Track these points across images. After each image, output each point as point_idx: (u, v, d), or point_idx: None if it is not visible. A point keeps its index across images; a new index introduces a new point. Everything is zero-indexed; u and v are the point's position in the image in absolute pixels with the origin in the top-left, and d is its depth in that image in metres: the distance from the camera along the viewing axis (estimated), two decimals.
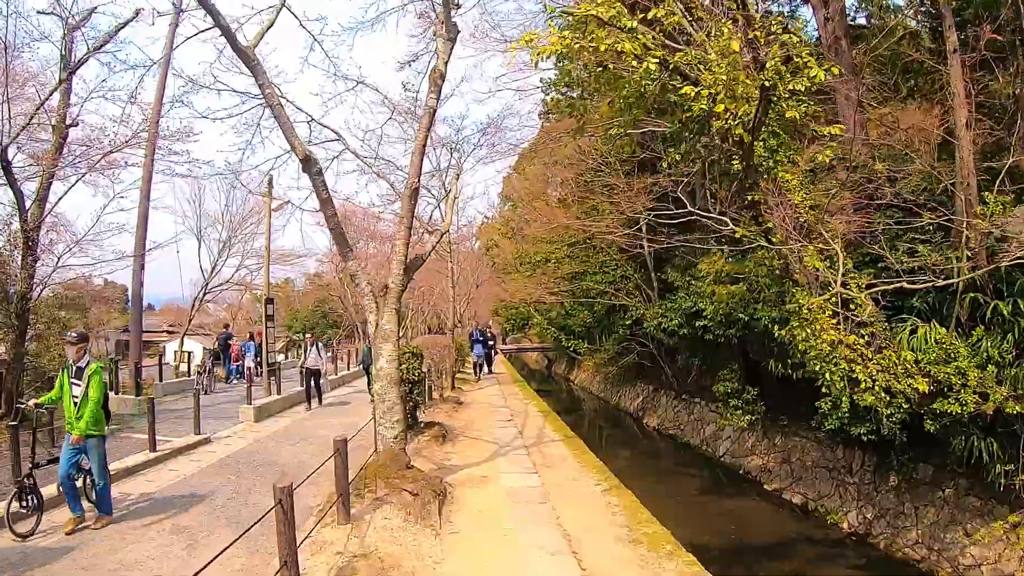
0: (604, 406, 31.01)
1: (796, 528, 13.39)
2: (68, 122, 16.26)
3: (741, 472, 17.11)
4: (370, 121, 77.11)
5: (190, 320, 29.61)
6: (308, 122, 11.55)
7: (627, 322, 25.52)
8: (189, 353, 28.89)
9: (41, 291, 16.53)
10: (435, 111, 9.71)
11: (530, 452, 13.74)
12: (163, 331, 53.31)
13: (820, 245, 10.24)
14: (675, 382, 24.76)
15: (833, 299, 9.60)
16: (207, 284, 28.39)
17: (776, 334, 9.86)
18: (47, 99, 15.43)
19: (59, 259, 17.04)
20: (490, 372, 31.91)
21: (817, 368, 9.63)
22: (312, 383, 19.26)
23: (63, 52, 15.80)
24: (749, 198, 9.07)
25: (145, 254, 21.26)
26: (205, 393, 22.44)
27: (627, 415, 27.67)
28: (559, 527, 9.00)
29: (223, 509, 9.24)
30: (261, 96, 9.18)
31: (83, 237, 17.57)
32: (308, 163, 8.93)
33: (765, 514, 14.27)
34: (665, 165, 12.92)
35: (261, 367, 27.83)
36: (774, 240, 9.54)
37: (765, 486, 15.76)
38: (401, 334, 35.98)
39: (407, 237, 9.16)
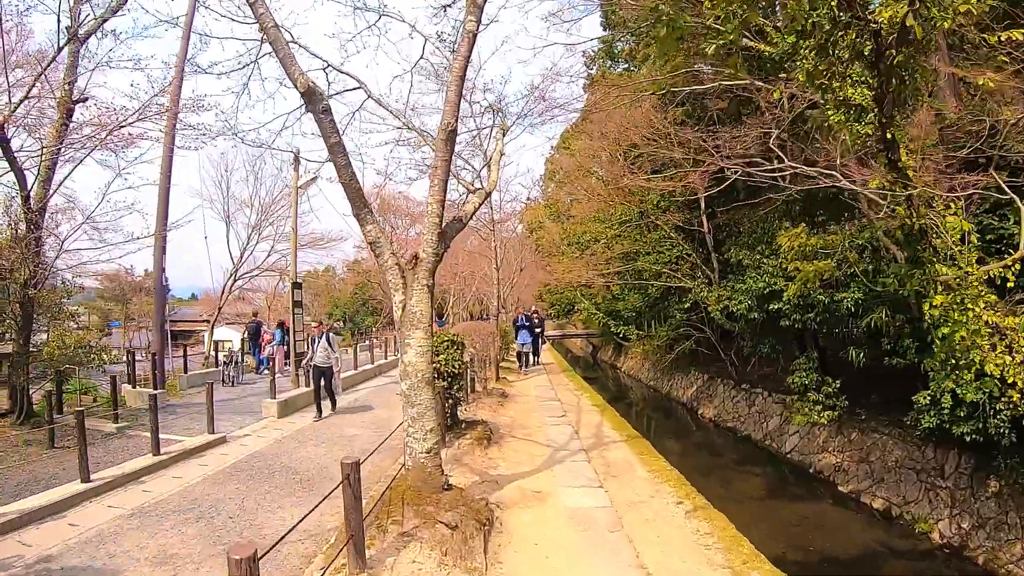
0: (654, 395, 28.83)
1: (879, 537, 11.66)
2: (76, 96, 14.56)
3: (811, 471, 15.17)
4: (397, 67, 73.65)
5: (219, 308, 27.91)
6: (324, 69, 9.41)
7: (684, 306, 23.31)
8: (218, 343, 27.15)
9: (46, 278, 14.76)
10: (475, 36, 7.49)
11: (590, 457, 11.54)
12: (204, 320, 52.11)
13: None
14: (734, 370, 22.55)
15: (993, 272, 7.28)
16: (236, 271, 26.57)
17: (926, 312, 7.54)
18: (45, 70, 13.66)
19: (63, 243, 15.27)
20: (537, 363, 28.42)
21: (944, 358, 7.69)
22: (322, 384, 15.64)
23: (71, 20, 14.07)
24: (888, 135, 6.70)
25: (166, 235, 19.40)
26: (232, 385, 20.76)
27: (680, 405, 25.49)
28: (641, 570, 6.79)
29: (222, 531, 7.76)
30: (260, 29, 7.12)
31: (87, 218, 15.71)
32: (312, 98, 6.80)
33: (842, 520, 12.54)
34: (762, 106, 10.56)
35: (289, 356, 26.35)
36: (910, 190, 7.16)
37: (840, 487, 13.91)
38: (441, 322, 33.83)
39: (442, 193, 7.01)
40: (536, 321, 27.24)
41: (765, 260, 17.13)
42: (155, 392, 17.23)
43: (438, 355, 11.31)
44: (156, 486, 9.86)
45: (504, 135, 10.23)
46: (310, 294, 59.74)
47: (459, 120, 8.09)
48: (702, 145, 16.40)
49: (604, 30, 28.43)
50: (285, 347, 23.03)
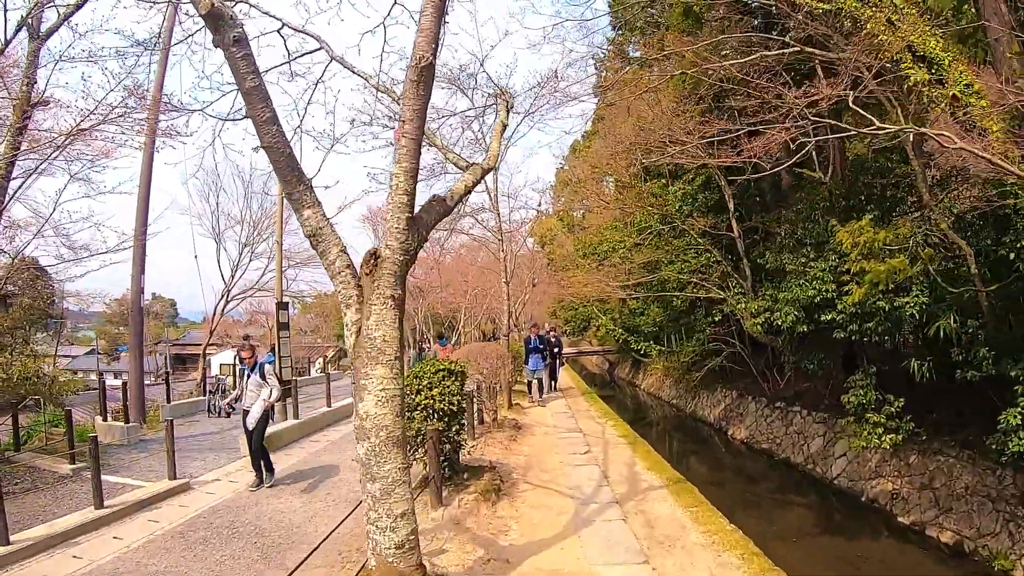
0: (677, 414, 26.34)
1: None
2: (35, 99, 12.45)
3: (863, 499, 13.04)
4: (367, 21, 71.43)
5: (211, 331, 25.65)
6: (279, 31, 7.03)
7: (715, 318, 20.83)
8: (203, 369, 24.79)
9: None
10: None
11: (626, 513, 8.84)
12: (214, 344, 50.01)
13: None
14: (767, 387, 19.99)
15: None
16: (228, 291, 24.26)
17: None
18: None
19: (17, 255, 13.04)
20: (554, 388, 23.26)
21: None
22: (252, 438, 10.74)
23: (28, 15, 11.99)
24: None
25: (144, 249, 17.21)
26: (219, 415, 18.32)
27: (706, 425, 22.95)
28: None
29: None
30: None
31: (39, 232, 13.56)
32: (219, 25, 4.43)
33: (908, 557, 10.64)
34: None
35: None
36: None
37: (899, 518, 11.81)
38: (454, 340, 31.18)
39: (412, 159, 4.51)
40: (552, 341, 22.49)
41: (812, 264, 14.75)
42: (126, 425, 15.03)
43: (431, 388, 8.95)
44: (89, 551, 7.98)
45: (509, 111, 7.77)
46: (319, 316, 57.59)
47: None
48: (729, 135, 14.07)
49: (613, 30, 26.28)
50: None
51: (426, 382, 9.12)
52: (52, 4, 12.26)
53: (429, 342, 37.95)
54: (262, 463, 10.70)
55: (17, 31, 11.69)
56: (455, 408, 9.02)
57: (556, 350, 23.38)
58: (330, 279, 4.71)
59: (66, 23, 12.53)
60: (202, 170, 38.85)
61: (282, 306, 16.88)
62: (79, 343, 62.73)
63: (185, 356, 42.62)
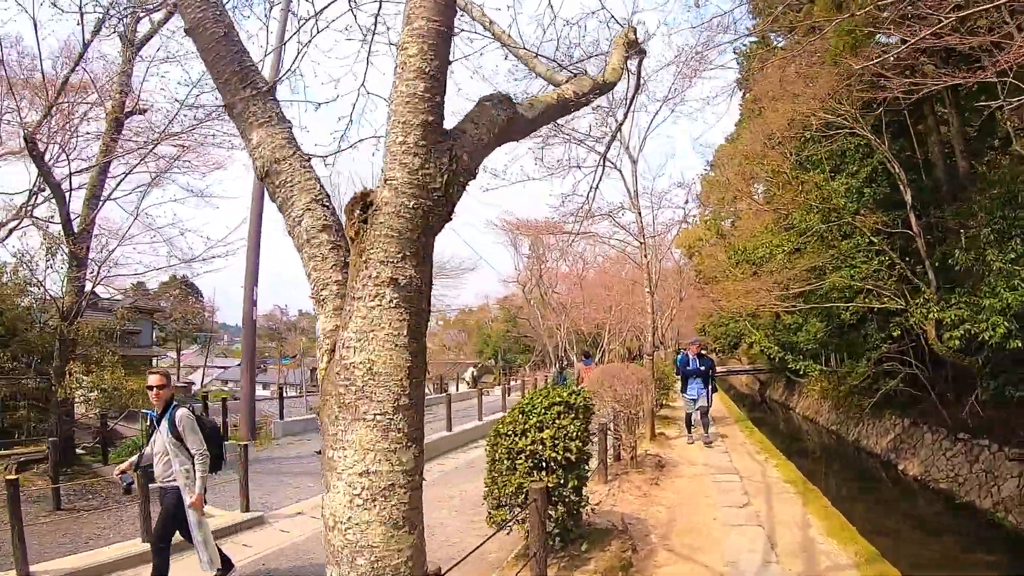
0: (836, 443, 22.52)
1: None
2: (130, 107, 11.55)
3: None
4: None
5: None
6: None
7: (893, 333, 17.19)
8: None
9: (82, 308, 11.54)
10: None
11: None
12: None
13: None
14: (946, 414, 16.20)
15: None
16: None
17: None
18: (67, 77, 10.61)
19: (99, 268, 12.03)
20: (705, 416, 14.54)
21: None
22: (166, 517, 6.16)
23: (119, 22, 11.07)
24: None
25: (258, 260, 16.21)
26: None
27: (870, 456, 19.27)
28: None
29: None
30: None
31: (122, 238, 12.56)
32: None
33: None
34: None
35: None
36: None
37: None
38: (596, 360, 28.63)
39: (438, 14, 2.21)
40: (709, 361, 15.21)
41: None
42: (227, 442, 13.68)
43: (541, 429, 6.48)
44: None
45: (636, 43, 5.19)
46: (463, 333, 56.92)
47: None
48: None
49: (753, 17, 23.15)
50: None
51: (535, 420, 6.63)
52: (146, 14, 11.30)
53: (571, 361, 35.74)
54: (202, 553, 6.04)
55: (95, 32, 10.62)
56: (574, 456, 6.49)
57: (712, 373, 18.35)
58: (297, 251, 2.51)
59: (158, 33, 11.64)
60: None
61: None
62: (233, 355, 65.72)
63: None
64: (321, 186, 2.62)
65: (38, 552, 7.87)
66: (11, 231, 12.00)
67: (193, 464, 5.99)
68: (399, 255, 2.20)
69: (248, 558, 7.76)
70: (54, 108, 10.53)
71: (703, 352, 14.18)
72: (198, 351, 56.42)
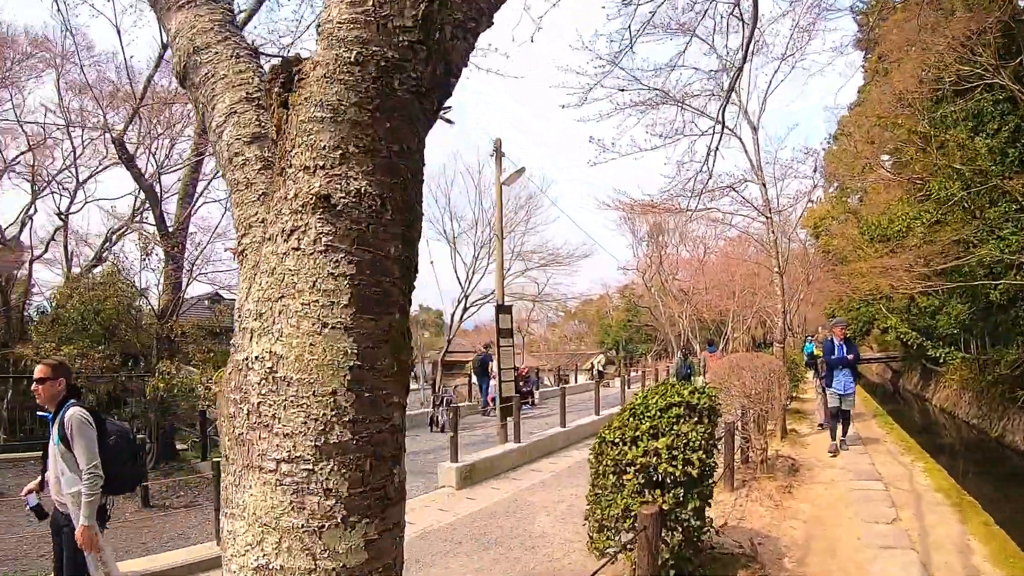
0: (977, 439, 19.77)
1: None
2: None
3: None
4: None
5: (448, 340, 23.85)
6: None
7: None
8: (434, 380, 22.76)
9: (178, 306, 11.35)
10: None
11: None
12: (454, 352, 50.70)
13: None
14: None
15: None
16: (466, 297, 22.19)
17: None
18: (150, 78, 10.34)
19: (192, 265, 11.81)
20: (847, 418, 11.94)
21: None
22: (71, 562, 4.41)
23: None
24: None
25: None
26: (441, 430, 16.11)
27: (1017, 454, 16.69)
28: None
29: None
30: None
31: (213, 234, 12.28)
32: None
33: None
34: None
35: (533, 395, 21.33)
36: None
37: None
38: (721, 348, 26.70)
39: None
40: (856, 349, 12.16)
41: None
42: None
43: (655, 437, 5.11)
44: None
45: None
46: (583, 323, 55.77)
47: None
48: None
49: None
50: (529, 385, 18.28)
51: (648, 425, 5.26)
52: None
53: (695, 349, 33.91)
54: None
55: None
56: (696, 471, 5.01)
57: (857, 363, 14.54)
58: (221, 174, 1.56)
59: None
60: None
61: (503, 310, 14.10)
62: None
63: (452, 363, 43.04)
64: (261, 81, 1.61)
65: (118, 552, 7.50)
66: (120, 236, 12.08)
67: (79, 491, 4.26)
68: (335, 152, 1.15)
69: None
70: (139, 110, 10.33)
71: (848, 338, 11.55)
72: None
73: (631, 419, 5.44)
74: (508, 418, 13.11)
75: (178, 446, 12.29)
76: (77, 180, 15.36)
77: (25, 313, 13.40)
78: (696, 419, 5.35)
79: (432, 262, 29.19)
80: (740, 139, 12.40)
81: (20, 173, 16.46)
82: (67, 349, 9.60)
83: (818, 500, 8.34)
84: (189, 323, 11.63)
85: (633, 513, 4.61)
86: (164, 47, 9.77)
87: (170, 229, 11.14)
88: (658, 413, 5.38)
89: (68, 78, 12.07)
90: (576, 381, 32.54)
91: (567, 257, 25.25)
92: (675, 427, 5.16)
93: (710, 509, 5.56)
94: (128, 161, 10.56)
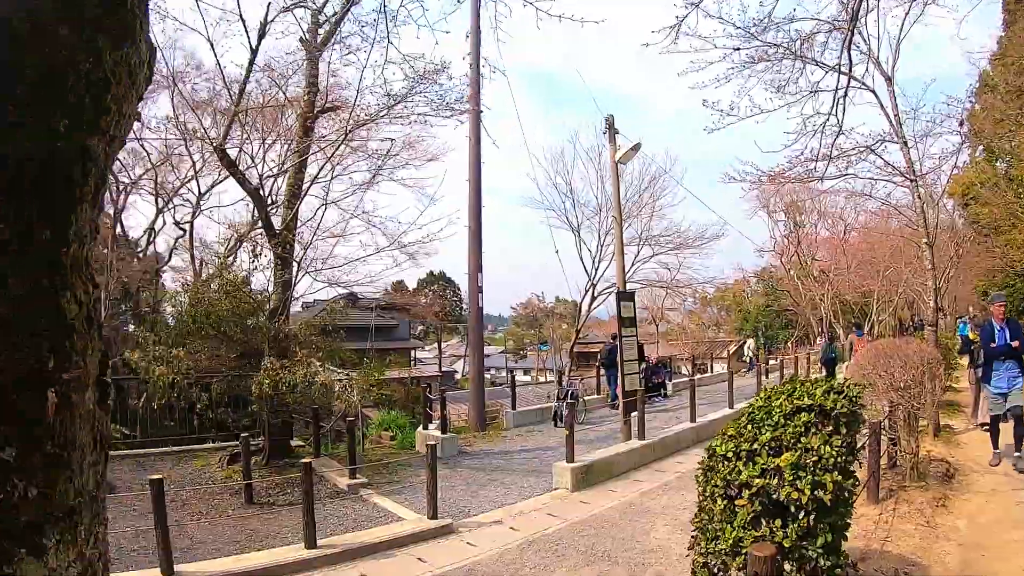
0: None
1: None
2: (319, 106, 11.10)
3: None
4: None
5: (577, 331, 22.80)
6: None
7: None
8: (559, 373, 21.76)
9: (287, 305, 11.21)
10: None
11: None
12: (581, 343, 49.64)
13: None
14: None
15: None
16: (593, 286, 21.03)
17: None
18: (244, 85, 10.19)
19: (298, 264, 11.66)
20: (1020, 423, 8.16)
21: None
22: None
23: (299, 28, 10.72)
24: None
25: (480, 247, 15.33)
26: (564, 425, 15.18)
27: None
28: None
29: None
30: None
31: (315, 233, 12.10)
32: None
33: None
34: None
35: (665, 386, 19.91)
36: None
37: None
38: (866, 330, 24.03)
39: None
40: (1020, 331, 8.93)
41: None
42: (442, 436, 12.66)
43: (777, 452, 3.95)
44: None
45: None
46: (721, 310, 53.09)
47: None
48: None
49: None
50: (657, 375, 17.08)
51: (768, 436, 4.11)
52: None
53: (838, 334, 30.96)
54: None
55: (260, 38, 9.99)
56: (829, 496, 3.72)
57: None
58: None
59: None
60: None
61: (624, 297, 12.89)
62: (496, 343, 68.33)
63: (589, 355, 42.25)
64: None
65: (210, 549, 7.38)
66: (240, 241, 12.21)
67: None
68: None
69: None
70: (236, 116, 10.23)
71: (1013, 319, 8.84)
72: (460, 341, 59.21)
73: (748, 426, 4.32)
74: (632, 413, 12.04)
75: (295, 443, 12.30)
76: (199, 191, 15.99)
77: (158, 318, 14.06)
78: (831, 428, 4.12)
79: (557, 251, 28.23)
80: (873, 92, 10.39)
81: (145, 188, 17.66)
82: (179, 352, 9.67)
83: (977, 517, 6.72)
84: (298, 322, 11.57)
85: (744, 550, 3.51)
86: (254, 52, 9.59)
87: (277, 230, 11.03)
88: (783, 420, 4.21)
89: (181, 95, 12.30)
90: (713, 370, 30.62)
91: (696, 240, 23.35)
92: (803, 439, 3.97)
93: (847, 540, 4.27)
94: (231, 167, 10.56)
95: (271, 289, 11.38)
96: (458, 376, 44.05)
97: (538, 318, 50.08)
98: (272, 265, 11.37)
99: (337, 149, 11.46)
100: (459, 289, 56.97)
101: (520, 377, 46.32)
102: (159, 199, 17.91)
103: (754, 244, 43.48)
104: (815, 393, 4.40)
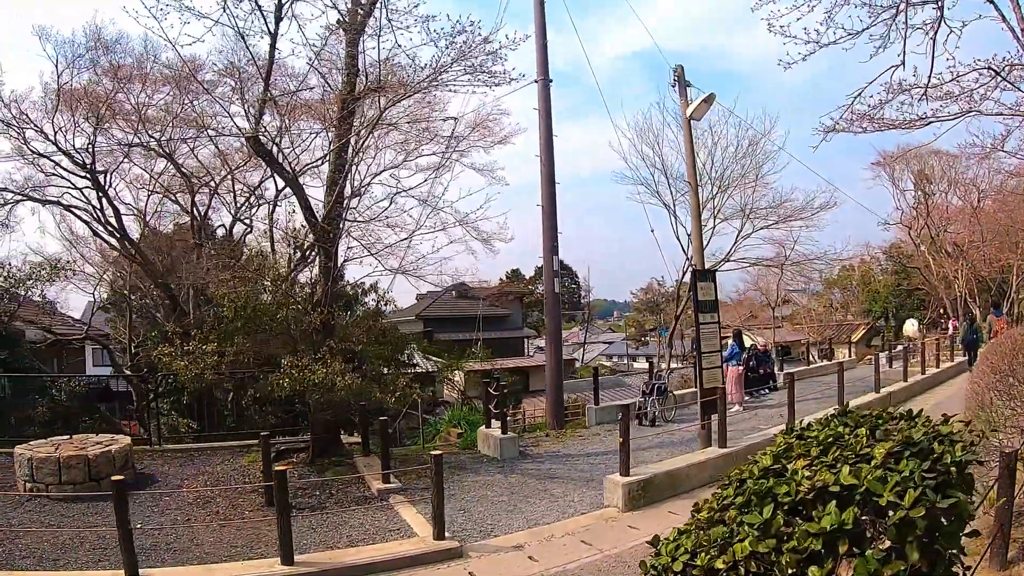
0: None
1: None
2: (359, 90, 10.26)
3: None
4: None
5: (677, 317, 20.80)
6: None
7: None
8: (650, 364, 19.80)
9: (329, 295, 10.32)
10: None
11: None
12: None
13: None
14: None
15: None
16: (688, 263, 18.94)
17: None
18: (269, 69, 9.44)
19: (335, 254, 10.82)
20: None
21: None
22: None
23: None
24: None
25: (556, 229, 13.96)
26: (651, 424, 13.34)
27: None
28: None
29: None
30: None
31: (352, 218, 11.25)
32: None
33: None
34: None
35: (774, 377, 17.37)
36: None
37: None
38: (1004, 310, 19.74)
39: None
40: None
41: None
42: (501, 436, 11.35)
43: (823, 503, 2.31)
44: None
45: None
46: (847, 291, 48.02)
47: None
48: None
49: None
50: (741, 368, 14.82)
51: (826, 474, 2.45)
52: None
53: (974, 314, 26.65)
54: None
55: (277, 21, 9.19)
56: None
57: None
58: None
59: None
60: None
61: (702, 276, 10.71)
62: (619, 330, 66.44)
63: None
64: None
65: (195, 555, 6.71)
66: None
67: None
68: None
69: None
70: (266, 104, 9.51)
71: None
72: (580, 329, 57.81)
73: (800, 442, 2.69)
74: (713, 415, 10.23)
75: (353, 440, 11.57)
76: (276, 188, 15.81)
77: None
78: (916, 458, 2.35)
79: (653, 230, 25.89)
80: (994, 3, 7.56)
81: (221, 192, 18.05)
82: (209, 347, 9.10)
83: None
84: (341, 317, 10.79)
85: None
86: (273, 36, 8.86)
87: (320, 219, 10.24)
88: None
89: (250, 96, 11.87)
90: (834, 357, 27.24)
91: (802, 210, 20.34)
92: (875, 469, 2.28)
93: None
94: (266, 156, 9.87)
95: (315, 279, 10.71)
96: (577, 365, 42.46)
97: (659, 303, 47.67)
98: (316, 255, 10.68)
99: (375, 126, 10.45)
100: (577, 276, 55.68)
101: (641, 365, 44.19)
102: (236, 200, 18.23)
103: (877, 216, 38.45)
104: (910, 433, 2.64)
